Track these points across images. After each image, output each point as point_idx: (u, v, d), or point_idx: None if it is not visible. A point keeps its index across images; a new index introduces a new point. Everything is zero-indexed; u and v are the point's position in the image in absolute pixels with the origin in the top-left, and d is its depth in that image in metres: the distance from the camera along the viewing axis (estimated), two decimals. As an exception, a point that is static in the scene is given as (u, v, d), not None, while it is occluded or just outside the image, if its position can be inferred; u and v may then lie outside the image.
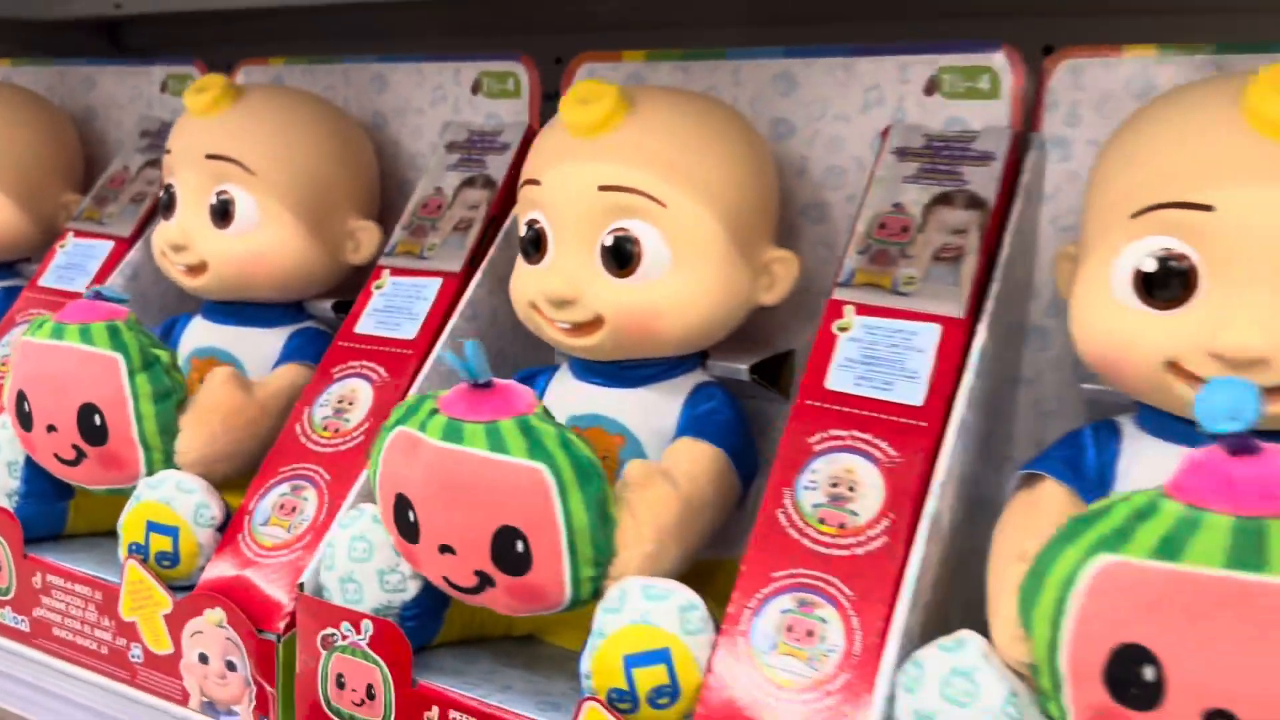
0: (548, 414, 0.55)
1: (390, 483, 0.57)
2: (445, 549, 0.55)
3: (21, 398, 0.70)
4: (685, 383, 0.65)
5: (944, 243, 0.61)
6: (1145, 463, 0.53)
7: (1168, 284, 0.48)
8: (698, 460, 0.60)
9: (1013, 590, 0.45)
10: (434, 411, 0.54)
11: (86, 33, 1.33)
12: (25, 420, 0.71)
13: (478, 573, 0.55)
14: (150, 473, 0.70)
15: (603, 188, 0.60)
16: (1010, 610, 0.46)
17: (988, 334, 0.58)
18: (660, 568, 0.55)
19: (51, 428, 0.69)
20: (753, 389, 0.67)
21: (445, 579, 0.57)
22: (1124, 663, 0.41)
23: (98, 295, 0.70)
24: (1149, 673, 0.40)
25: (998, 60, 0.65)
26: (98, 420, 0.68)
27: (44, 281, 0.90)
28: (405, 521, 0.56)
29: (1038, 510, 0.53)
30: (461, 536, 0.54)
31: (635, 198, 0.60)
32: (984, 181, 0.62)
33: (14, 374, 0.71)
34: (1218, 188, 0.47)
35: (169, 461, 0.70)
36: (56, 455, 0.71)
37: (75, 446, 0.69)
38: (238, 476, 0.73)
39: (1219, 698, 0.39)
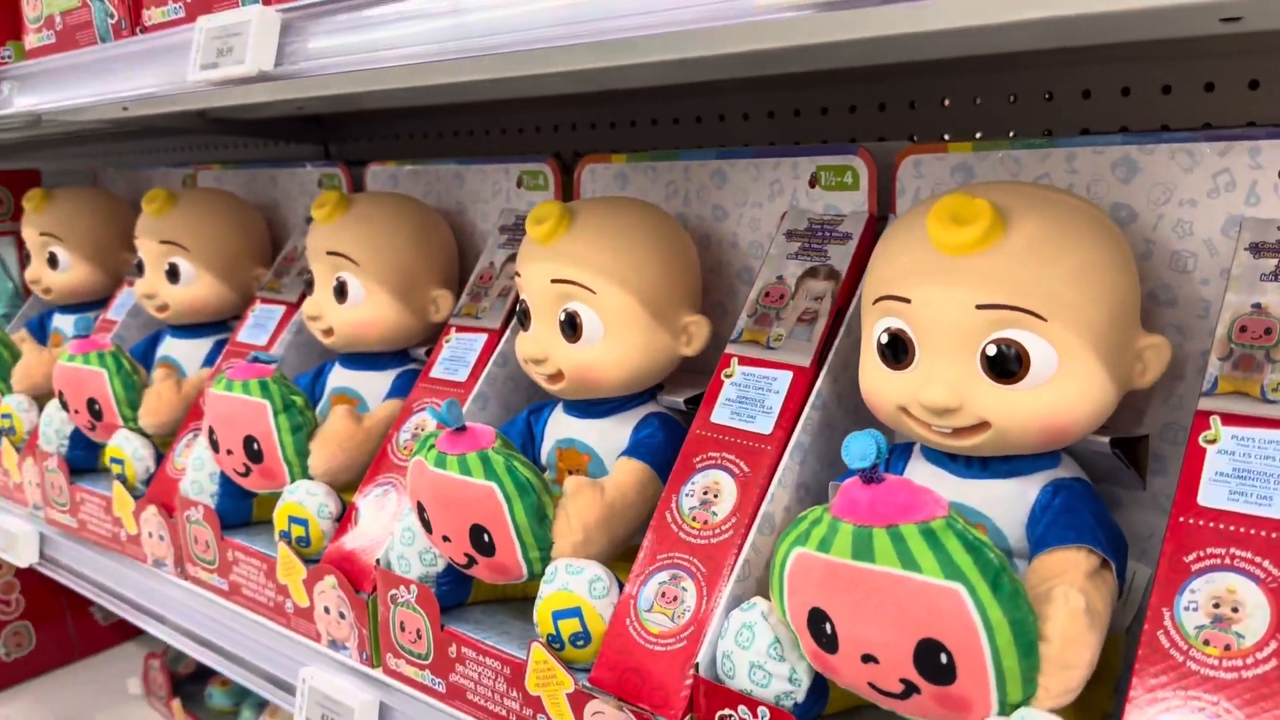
0: (505, 445, 0.79)
1: (413, 494, 0.83)
2: (445, 539, 0.81)
3: (211, 431, 1.03)
4: (637, 413, 0.88)
5: (806, 307, 0.80)
6: (919, 477, 0.71)
7: (895, 351, 0.66)
8: (628, 474, 0.83)
9: None
10: (433, 447, 0.80)
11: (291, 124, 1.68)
12: (215, 446, 1.03)
13: (467, 555, 0.80)
14: (293, 481, 1.00)
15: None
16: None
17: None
18: (590, 552, 0.78)
19: (230, 451, 1.01)
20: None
21: (451, 560, 0.82)
22: (815, 620, 0.60)
23: (255, 359, 1.01)
24: (828, 627, 0.59)
25: (856, 161, 0.83)
26: (256, 446, 0.99)
27: (241, 337, 1.23)
28: (424, 520, 0.82)
29: None
30: (454, 531, 0.80)
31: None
32: (841, 256, 0.81)
33: (206, 415, 1.04)
34: (911, 286, 0.64)
35: (306, 474, 1.00)
36: (235, 470, 1.02)
37: (245, 464, 1.01)
38: (355, 481, 1.02)
39: (865, 645, 0.58)
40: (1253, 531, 0.56)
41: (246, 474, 1.01)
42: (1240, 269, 0.64)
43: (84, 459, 1.29)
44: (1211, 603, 0.56)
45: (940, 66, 0.97)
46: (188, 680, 1.93)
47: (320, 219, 1.05)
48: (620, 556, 0.82)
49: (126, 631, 2.16)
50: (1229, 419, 0.60)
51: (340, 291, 1.05)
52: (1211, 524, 0.58)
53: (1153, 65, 0.87)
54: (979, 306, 0.62)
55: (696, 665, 0.69)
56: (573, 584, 0.75)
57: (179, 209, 1.25)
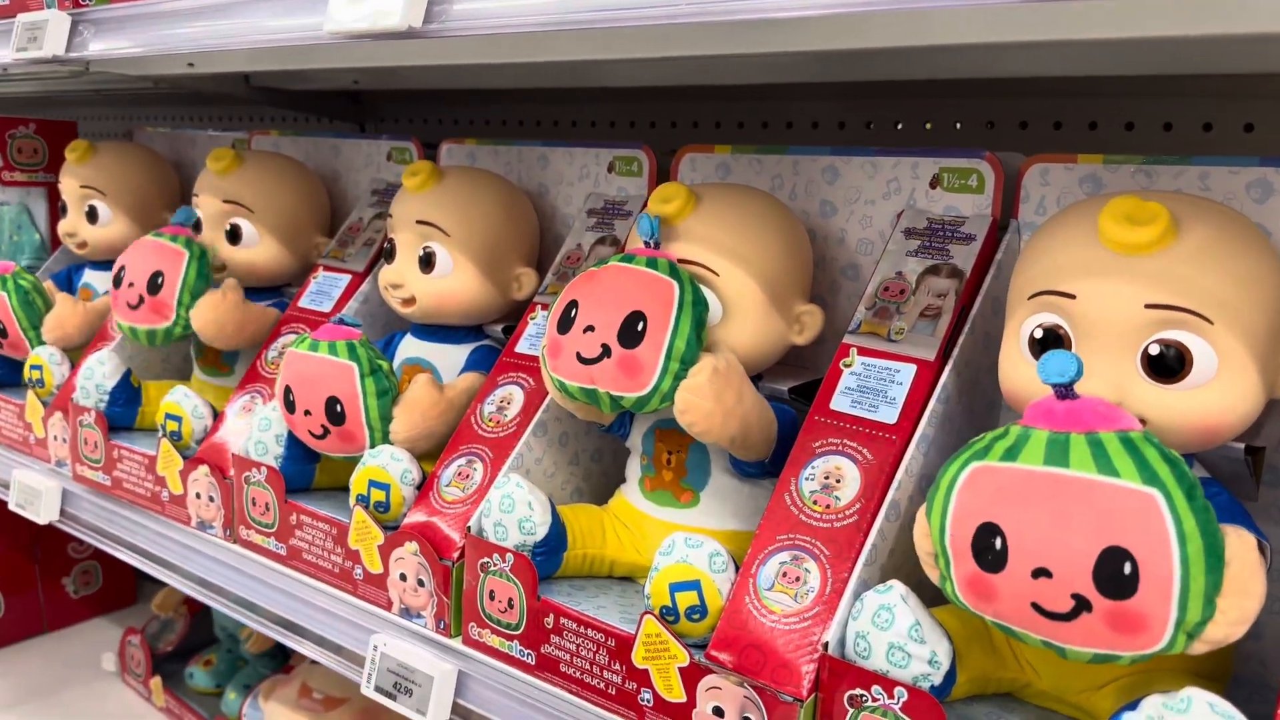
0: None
1: (566, 295, 0.86)
2: (588, 329, 0.82)
3: (288, 390, 1.01)
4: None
5: (929, 303, 0.82)
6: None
7: (1048, 347, 0.68)
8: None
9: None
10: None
11: (331, 99, 1.68)
12: (290, 406, 1.01)
13: (604, 345, 0.81)
14: (373, 446, 0.99)
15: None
16: (924, 517, 0.65)
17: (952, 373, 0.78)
18: (724, 391, 0.78)
19: (308, 412, 1.00)
20: (795, 403, 0.90)
21: (577, 354, 0.82)
22: (982, 536, 0.60)
23: (340, 321, 1.00)
24: (998, 542, 0.59)
25: (983, 165, 0.85)
26: (339, 408, 0.98)
27: (302, 303, 1.22)
28: (566, 319, 0.83)
29: None
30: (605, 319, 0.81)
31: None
32: (965, 256, 0.83)
33: (282, 374, 1.02)
34: (1078, 282, 0.66)
35: (386, 439, 0.99)
36: (310, 431, 1.01)
37: (323, 425, 0.99)
38: (433, 450, 1.01)
39: (1040, 558, 0.57)
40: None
41: (324, 436, 1.00)
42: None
43: (122, 416, 1.26)
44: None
45: (1056, 86, 1.00)
46: (167, 659, 1.88)
47: (412, 188, 1.05)
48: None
49: (100, 605, 2.11)
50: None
51: (427, 261, 1.04)
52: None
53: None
54: (1148, 305, 0.63)
55: (825, 644, 0.70)
56: (692, 557, 0.76)
57: (245, 169, 1.23)
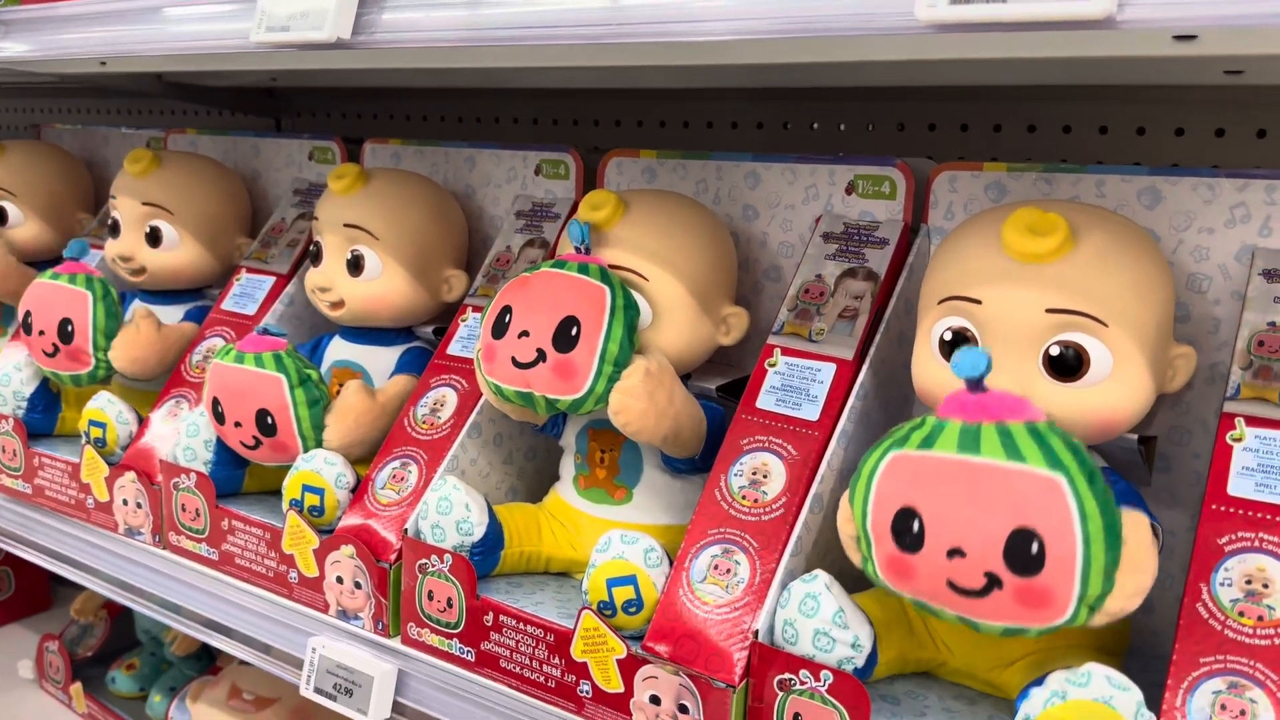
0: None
1: (500, 301, 0.86)
2: (523, 334, 0.84)
3: (216, 402, 1.01)
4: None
5: (846, 304, 0.86)
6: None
7: (956, 349, 0.72)
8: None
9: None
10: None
11: (247, 95, 1.66)
12: (220, 417, 1.01)
13: (539, 350, 0.83)
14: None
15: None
16: (846, 504, 0.68)
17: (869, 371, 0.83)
18: (656, 392, 0.81)
19: (239, 424, 1.00)
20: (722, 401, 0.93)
21: (513, 359, 0.84)
22: (901, 519, 0.63)
23: (265, 331, 1.00)
24: (915, 525, 0.63)
25: (895, 172, 0.89)
26: (270, 420, 0.98)
27: (226, 306, 1.21)
28: (500, 324, 0.85)
29: None
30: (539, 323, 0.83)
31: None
32: (879, 260, 0.87)
33: (209, 385, 1.02)
34: (983, 288, 0.71)
35: (319, 446, 1.00)
36: (241, 442, 1.01)
37: (255, 437, 1.00)
38: (367, 455, 1.02)
39: (954, 539, 0.61)
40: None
41: (256, 446, 1.00)
42: (1255, 292, 0.74)
43: (41, 423, 1.24)
44: (1244, 579, 0.64)
45: (962, 93, 1.04)
46: (87, 664, 1.85)
47: (339, 190, 1.05)
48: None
49: (13, 612, 2.06)
50: (1252, 420, 0.69)
51: (355, 265, 1.05)
52: (1240, 511, 0.67)
53: (1169, 109, 0.96)
54: (1048, 310, 0.68)
55: (756, 632, 0.73)
56: (628, 553, 0.79)
57: (165, 171, 1.22)
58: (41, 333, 1.16)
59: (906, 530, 0.63)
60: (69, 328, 1.14)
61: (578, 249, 0.86)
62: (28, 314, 1.18)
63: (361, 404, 1.00)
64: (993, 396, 0.63)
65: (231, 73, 1.44)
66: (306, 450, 0.99)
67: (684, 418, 0.84)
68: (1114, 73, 0.86)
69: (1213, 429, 0.80)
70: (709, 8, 0.67)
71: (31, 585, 2.07)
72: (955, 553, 0.61)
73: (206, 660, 1.78)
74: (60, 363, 1.16)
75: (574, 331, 0.82)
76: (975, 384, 0.63)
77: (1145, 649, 0.81)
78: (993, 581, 0.61)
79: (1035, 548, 0.59)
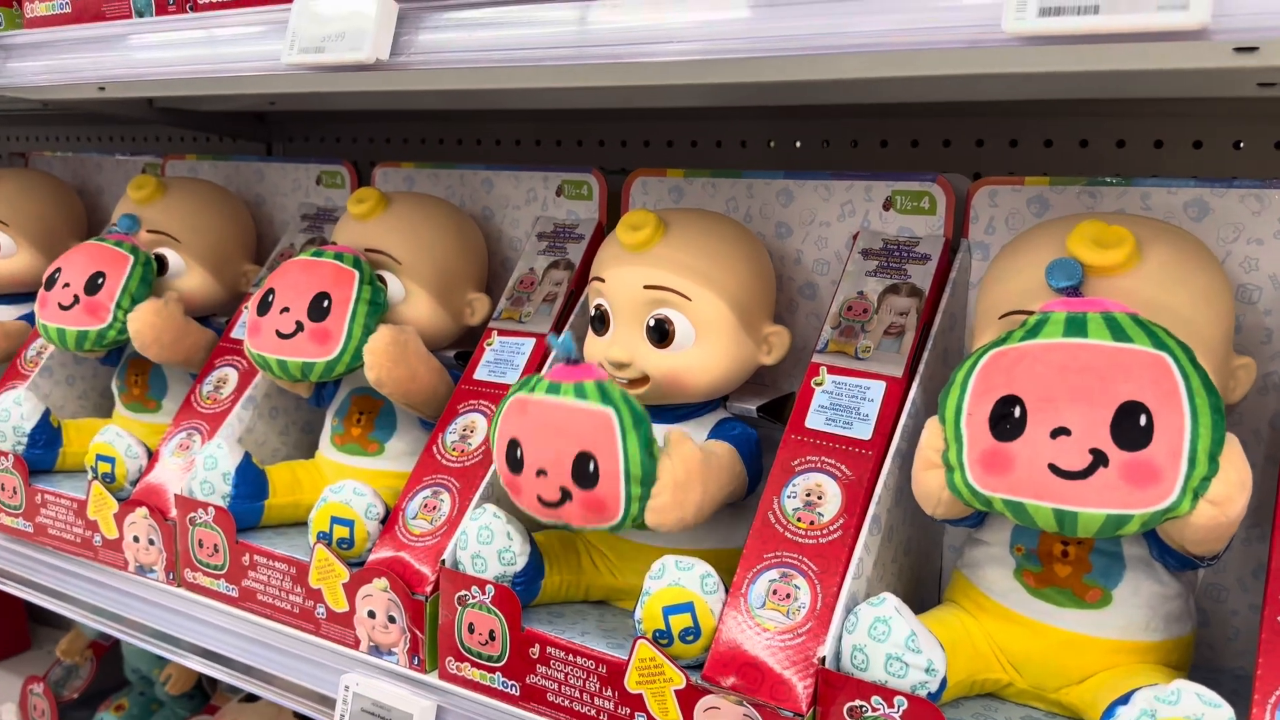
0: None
1: (504, 433, 0.81)
2: (540, 472, 0.79)
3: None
4: (711, 418, 0.91)
5: (891, 321, 0.85)
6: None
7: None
8: (719, 446, 0.85)
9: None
10: (540, 381, 0.79)
11: (237, 119, 1.63)
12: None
13: (562, 489, 0.78)
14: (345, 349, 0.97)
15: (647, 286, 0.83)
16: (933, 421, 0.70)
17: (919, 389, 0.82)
18: (688, 497, 0.77)
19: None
20: (760, 421, 0.92)
21: (538, 498, 0.79)
22: (1001, 406, 0.65)
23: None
24: (1016, 411, 0.64)
25: (935, 188, 0.89)
26: (326, 304, 0.95)
27: (236, 334, 1.18)
28: (513, 459, 0.80)
29: None
30: (554, 461, 0.77)
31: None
32: (922, 275, 0.86)
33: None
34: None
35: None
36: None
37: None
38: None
39: (1059, 419, 0.63)
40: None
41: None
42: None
43: (42, 459, 1.20)
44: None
45: (1002, 108, 1.04)
46: (74, 705, 1.79)
47: (359, 215, 1.03)
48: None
49: (-5, 655, 2.00)
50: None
51: (378, 290, 1.03)
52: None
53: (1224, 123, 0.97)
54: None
55: (823, 658, 0.72)
56: (684, 579, 0.77)
57: (169, 197, 1.19)
58: (66, 285, 1.15)
59: (1006, 416, 0.65)
60: (100, 280, 1.14)
61: (567, 362, 0.79)
62: (56, 269, 1.17)
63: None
64: (1092, 298, 0.66)
65: (229, 96, 1.42)
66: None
67: (719, 495, 0.83)
68: (1151, 85, 0.86)
69: (1265, 438, 0.80)
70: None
71: (9, 626, 2.01)
72: (1060, 431, 0.63)
73: (200, 699, 1.73)
74: (73, 316, 1.14)
75: (591, 468, 0.77)
76: (1073, 290, 0.67)
77: (1203, 665, 0.81)
78: (1098, 459, 0.62)
79: (1144, 420, 0.61)
